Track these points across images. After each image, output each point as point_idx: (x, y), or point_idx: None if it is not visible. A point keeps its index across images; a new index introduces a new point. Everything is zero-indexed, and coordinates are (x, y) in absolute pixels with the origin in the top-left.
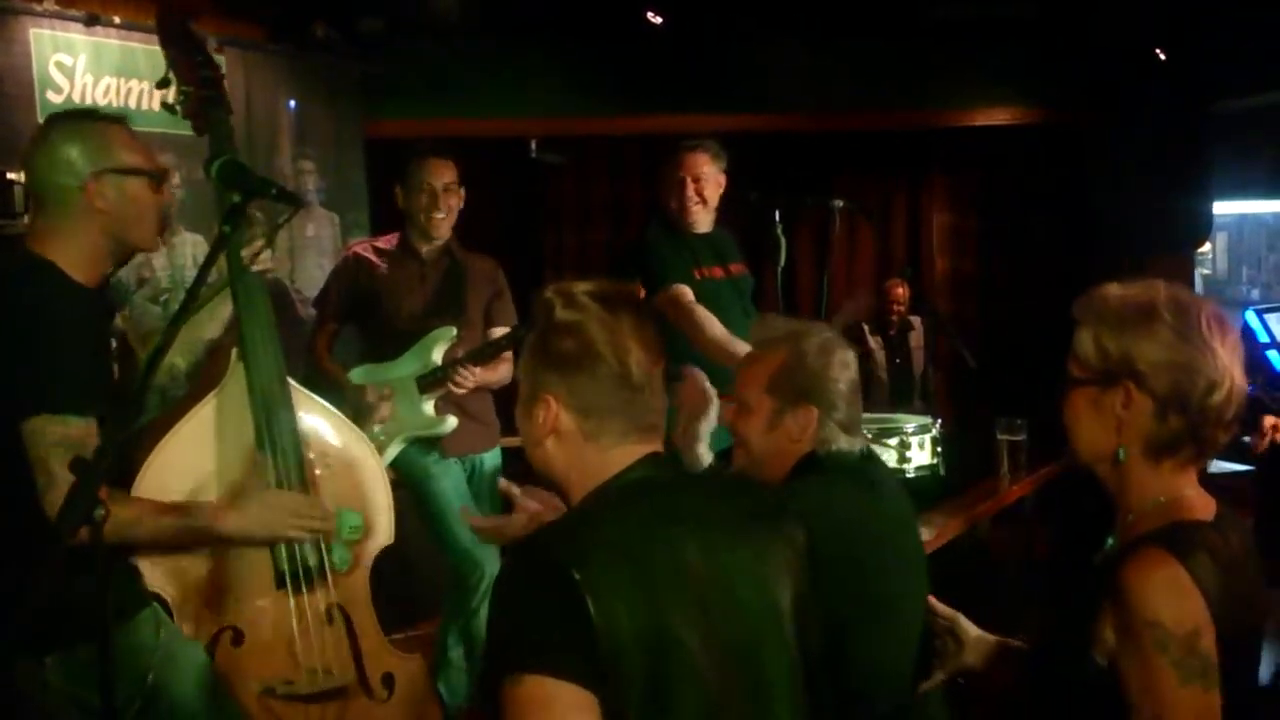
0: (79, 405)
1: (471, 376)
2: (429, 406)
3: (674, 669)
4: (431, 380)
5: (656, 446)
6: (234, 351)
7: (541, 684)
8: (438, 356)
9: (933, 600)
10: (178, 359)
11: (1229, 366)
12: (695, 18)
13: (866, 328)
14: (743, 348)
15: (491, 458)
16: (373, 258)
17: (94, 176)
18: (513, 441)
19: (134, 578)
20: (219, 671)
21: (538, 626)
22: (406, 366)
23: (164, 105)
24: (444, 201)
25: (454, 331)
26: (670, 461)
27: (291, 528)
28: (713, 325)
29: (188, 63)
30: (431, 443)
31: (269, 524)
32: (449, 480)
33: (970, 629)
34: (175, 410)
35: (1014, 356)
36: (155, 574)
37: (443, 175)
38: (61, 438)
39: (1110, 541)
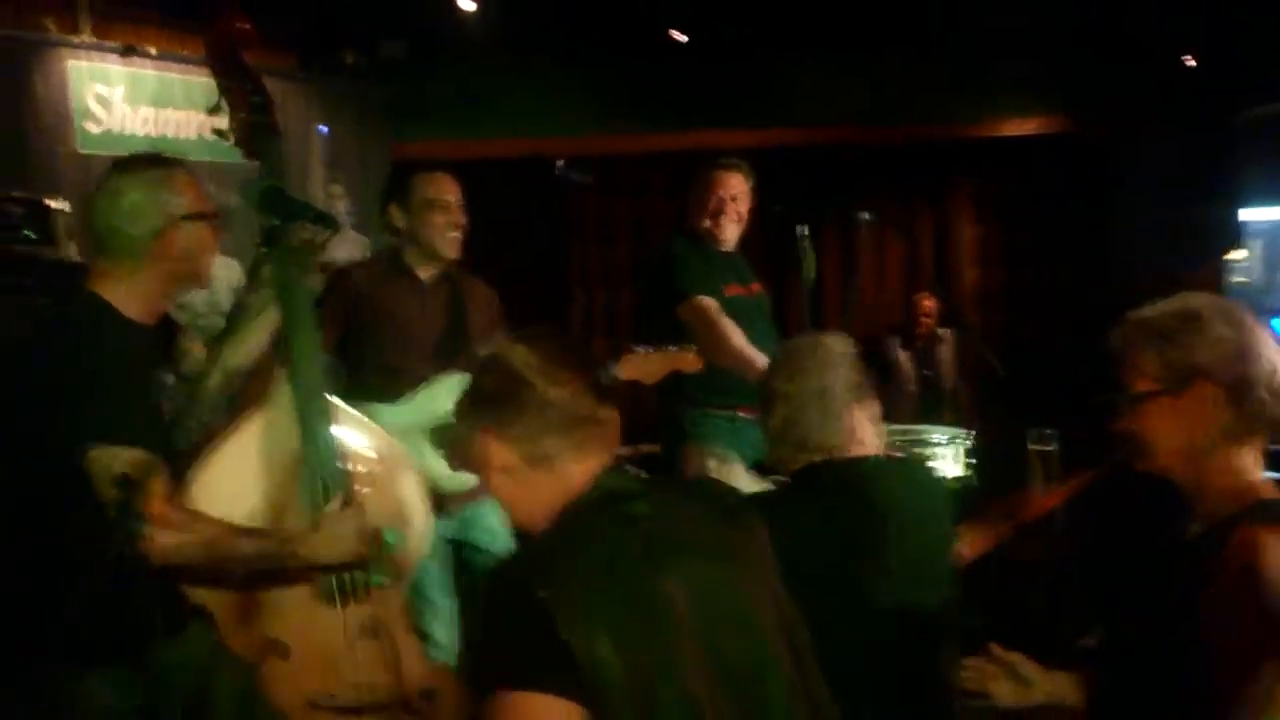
0: (132, 432)
1: None
2: (444, 463)
3: (665, 695)
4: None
5: (608, 458)
6: (279, 370)
7: (526, 699)
8: (449, 404)
9: (995, 648)
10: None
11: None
12: (717, 34)
13: (895, 341)
14: (763, 360)
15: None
16: (361, 280)
17: (169, 226)
18: None
19: (180, 591)
20: (264, 685)
21: (514, 644)
22: (415, 414)
23: (215, 132)
24: (458, 218)
25: (465, 378)
26: (625, 470)
27: (359, 548)
28: (736, 337)
29: (240, 90)
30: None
31: (336, 544)
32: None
33: (1034, 671)
34: (217, 429)
35: (1043, 368)
36: (201, 589)
37: (455, 191)
38: (120, 466)
39: (1195, 528)
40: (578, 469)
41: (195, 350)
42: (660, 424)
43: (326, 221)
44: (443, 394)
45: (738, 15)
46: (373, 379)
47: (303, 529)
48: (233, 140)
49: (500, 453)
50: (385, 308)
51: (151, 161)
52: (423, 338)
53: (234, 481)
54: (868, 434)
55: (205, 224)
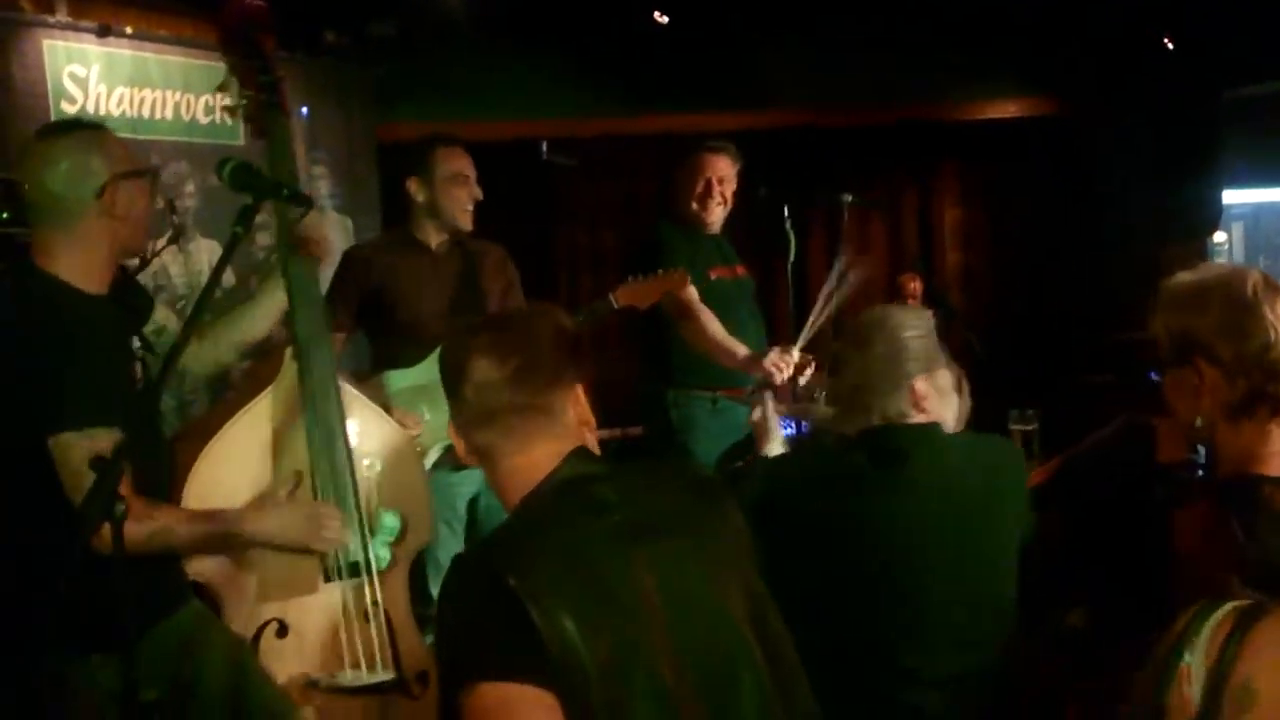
0: (103, 417)
1: None
2: None
3: (636, 683)
4: None
5: (577, 442)
6: (288, 351)
7: (497, 689)
8: None
9: None
10: (194, 365)
11: None
12: (701, 16)
13: None
14: (741, 349)
15: None
16: (373, 254)
17: (109, 184)
18: None
19: (176, 570)
20: (262, 662)
21: (483, 634)
22: (420, 375)
23: (224, 108)
24: (476, 192)
25: None
26: (589, 455)
27: (312, 536)
28: (714, 326)
29: (249, 68)
30: (453, 459)
31: (286, 529)
32: (485, 494)
33: None
34: (224, 409)
35: (1026, 348)
36: (204, 563)
37: (469, 163)
38: (89, 452)
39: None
40: (521, 460)
41: (170, 325)
42: (640, 404)
43: (300, 200)
44: None
45: None
46: (389, 348)
47: (248, 509)
48: (241, 116)
49: (459, 442)
50: (398, 280)
51: (75, 125)
52: (436, 305)
53: (241, 460)
54: (933, 403)
55: (141, 180)
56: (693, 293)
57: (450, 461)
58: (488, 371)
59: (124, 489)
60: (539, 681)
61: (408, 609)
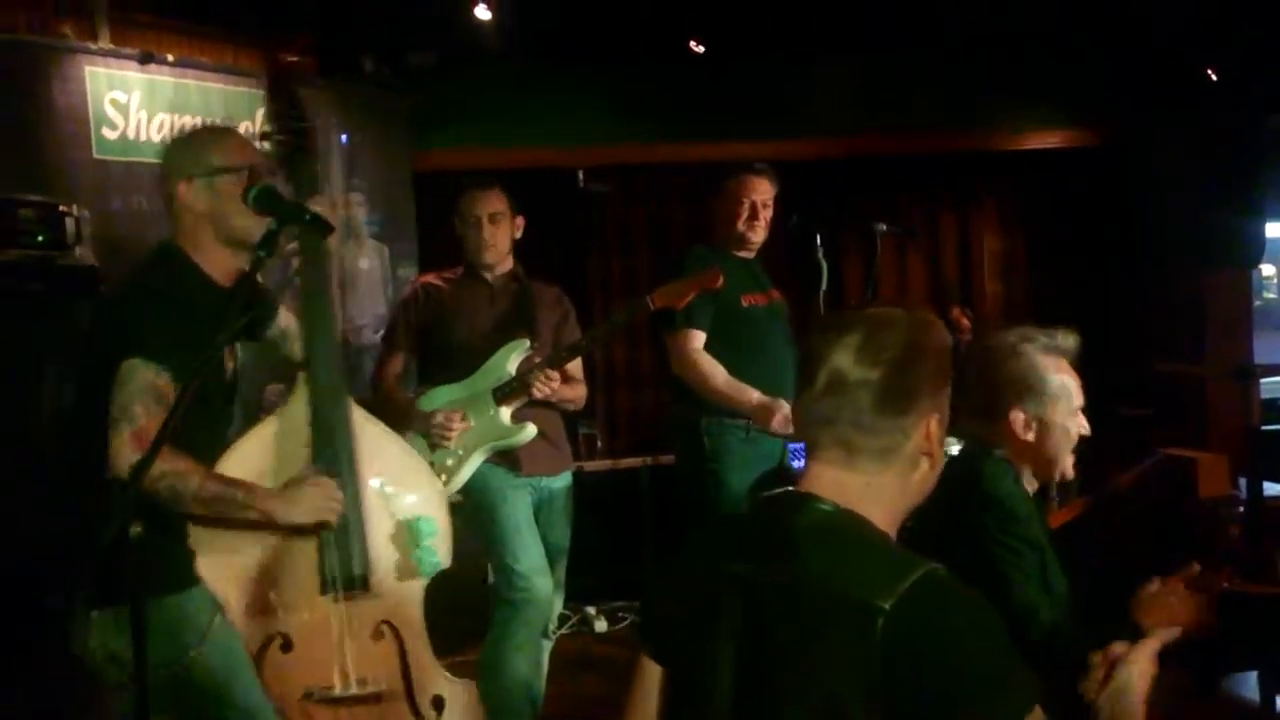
0: (171, 363)
1: (553, 381)
2: (506, 416)
3: None
4: (509, 391)
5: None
6: (300, 375)
7: None
8: (512, 367)
9: None
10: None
11: None
12: (737, 44)
13: None
14: (752, 394)
15: (562, 481)
16: (440, 285)
17: (185, 183)
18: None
19: (184, 550)
20: (265, 677)
21: None
22: (481, 381)
23: (263, 136)
24: (489, 230)
25: (527, 342)
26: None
27: (322, 509)
28: (717, 375)
29: (283, 115)
30: (509, 462)
31: (299, 501)
32: (521, 504)
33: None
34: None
35: None
36: (216, 579)
37: (488, 205)
38: (149, 385)
39: None
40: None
41: (291, 327)
42: (674, 432)
43: (322, 225)
44: (503, 359)
45: (759, 25)
46: (438, 366)
47: (265, 489)
48: (273, 155)
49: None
50: (456, 307)
51: (200, 128)
52: (489, 325)
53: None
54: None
55: (233, 178)
56: (696, 338)
57: (504, 464)
58: None
59: (157, 427)
60: None
61: (421, 630)
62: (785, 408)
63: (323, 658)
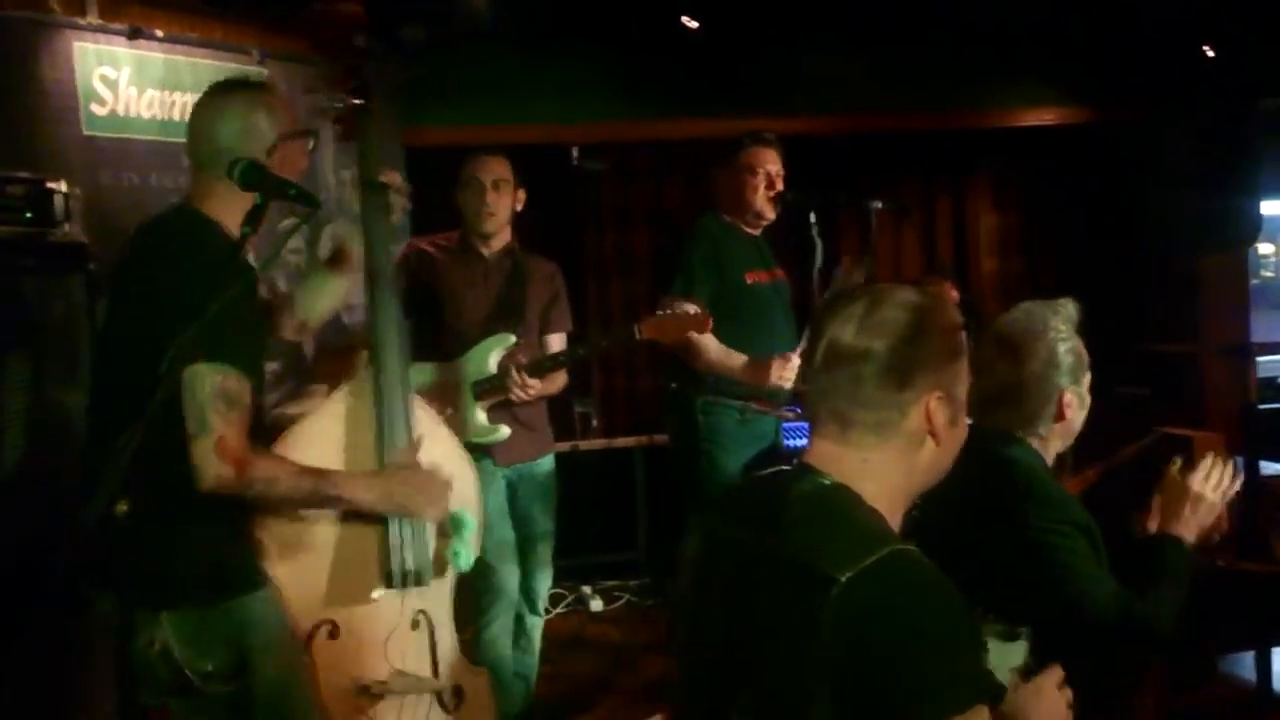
0: (241, 361)
1: (532, 389)
2: (482, 414)
3: None
4: (487, 388)
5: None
6: (364, 355)
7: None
8: (493, 364)
9: None
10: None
11: None
12: (731, 21)
13: None
14: (739, 358)
15: (543, 464)
16: (434, 253)
17: (280, 142)
18: (563, 447)
19: (248, 553)
20: (309, 662)
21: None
22: (461, 370)
23: (311, 111)
24: (491, 196)
25: (512, 339)
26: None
27: (417, 501)
28: (711, 352)
29: (343, 75)
30: (482, 452)
31: (392, 494)
32: (491, 495)
33: None
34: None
35: None
36: (271, 558)
37: (492, 170)
38: (220, 389)
39: None
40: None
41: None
42: (668, 411)
43: (308, 199)
44: (485, 353)
45: (755, 1)
46: (438, 344)
47: (352, 475)
48: (331, 120)
49: None
50: (447, 280)
51: (244, 84)
52: (478, 306)
53: (312, 457)
54: (1075, 412)
55: (302, 141)
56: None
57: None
58: None
59: (238, 433)
60: None
61: (450, 620)
62: (776, 361)
63: (370, 647)
